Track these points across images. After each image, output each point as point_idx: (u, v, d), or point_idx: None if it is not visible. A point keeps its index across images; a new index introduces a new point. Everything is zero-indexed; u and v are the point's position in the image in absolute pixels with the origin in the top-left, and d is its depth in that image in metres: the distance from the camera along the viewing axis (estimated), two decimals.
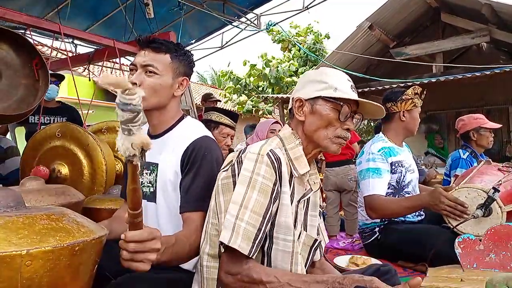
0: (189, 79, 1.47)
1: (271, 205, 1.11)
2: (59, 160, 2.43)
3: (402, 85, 6.87)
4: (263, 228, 1.08)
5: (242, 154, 1.16)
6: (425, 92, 2.32)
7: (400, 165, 2.21)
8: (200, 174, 1.30)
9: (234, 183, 1.12)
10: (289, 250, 1.17)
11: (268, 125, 3.53)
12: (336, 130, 1.22)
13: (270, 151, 1.14)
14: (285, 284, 1.01)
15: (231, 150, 3.23)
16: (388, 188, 2.20)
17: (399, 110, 2.26)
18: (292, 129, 1.29)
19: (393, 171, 2.20)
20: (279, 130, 3.52)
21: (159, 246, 0.94)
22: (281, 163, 1.15)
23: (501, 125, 3.71)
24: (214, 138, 1.44)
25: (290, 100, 1.32)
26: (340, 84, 1.23)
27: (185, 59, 1.44)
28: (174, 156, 1.34)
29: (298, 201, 1.25)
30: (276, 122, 3.61)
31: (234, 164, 1.16)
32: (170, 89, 1.39)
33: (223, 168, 1.20)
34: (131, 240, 0.90)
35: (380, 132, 2.35)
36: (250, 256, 1.05)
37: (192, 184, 1.30)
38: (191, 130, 1.39)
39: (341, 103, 1.21)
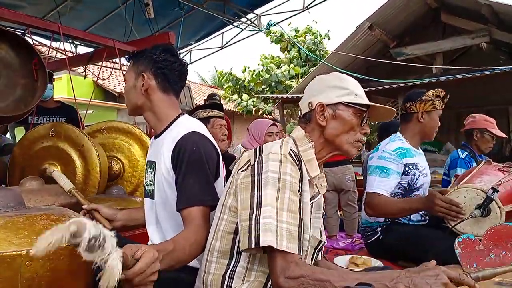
0: (152, 72, 1.46)
1: (300, 201, 1.13)
2: (51, 160, 2.38)
3: (402, 85, 6.89)
4: (302, 225, 1.10)
5: (262, 154, 1.16)
6: (448, 96, 2.24)
7: (414, 167, 2.17)
8: (190, 170, 1.32)
9: (253, 182, 1.12)
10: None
11: (265, 127, 3.25)
12: (356, 135, 1.26)
13: (291, 150, 1.16)
14: (353, 280, 0.99)
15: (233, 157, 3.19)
16: (398, 189, 2.17)
17: (418, 110, 2.20)
18: (305, 132, 1.28)
19: (406, 172, 2.16)
20: (276, 132, 3.40)
21: (158, 266, 0.96)
22: (301, 162, 1.18)
23: (506, 136, 3.69)
24: (205, 133, 1.44)
25: (305, 105, 1.30)
26: (359, 90, 1.27)
27: (144, 57, 1.48)
28: (166, 154, 1.39)
29: None
30: (274, 124, 3.33)
31: (254, 164, 1.15)
32: (135, 88, 1.47)
33: (242, 168, 1.18)
34: (133, 276, 0.89)
35: (398, 132, 2.30)
36: (300, 255, 1.05)
37: (183, 181, 1.32)
38: (181, 128, 1.41)
39: (365, 109, 1.26)
